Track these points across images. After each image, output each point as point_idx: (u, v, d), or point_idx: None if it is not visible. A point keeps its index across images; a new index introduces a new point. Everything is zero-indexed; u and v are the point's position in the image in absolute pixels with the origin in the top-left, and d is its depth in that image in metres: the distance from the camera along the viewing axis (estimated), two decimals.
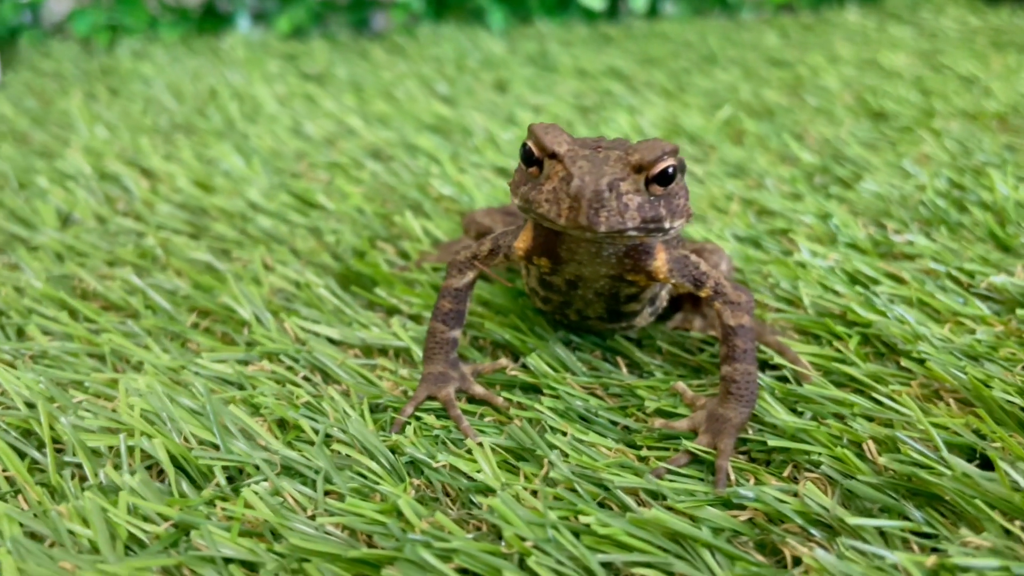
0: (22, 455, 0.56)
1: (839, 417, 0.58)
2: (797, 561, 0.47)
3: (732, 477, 0.53)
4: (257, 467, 0.54)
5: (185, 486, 0.53)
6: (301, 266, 0.81)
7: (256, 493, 0.51)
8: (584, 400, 0.60)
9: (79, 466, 0.55)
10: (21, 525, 0.50)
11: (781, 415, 0.57)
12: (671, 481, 0.52)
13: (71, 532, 0.50)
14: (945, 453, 0.52)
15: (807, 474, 0.53)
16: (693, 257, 0.58)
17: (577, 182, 0.49)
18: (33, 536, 0.50)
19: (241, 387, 0.63)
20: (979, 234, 0.82)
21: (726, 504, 0.51)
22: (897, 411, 0.57)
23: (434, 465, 0.54)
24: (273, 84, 1.44)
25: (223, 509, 0.51)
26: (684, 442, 0.55)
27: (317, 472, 0.54)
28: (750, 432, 0.57)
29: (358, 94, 1.38)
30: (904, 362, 0.62)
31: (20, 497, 0.53)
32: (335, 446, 0.56)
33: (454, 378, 0.61)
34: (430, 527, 0.49)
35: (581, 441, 0.56)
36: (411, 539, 0.47)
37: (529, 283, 0.65)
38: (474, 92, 1.39)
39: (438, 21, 1.86)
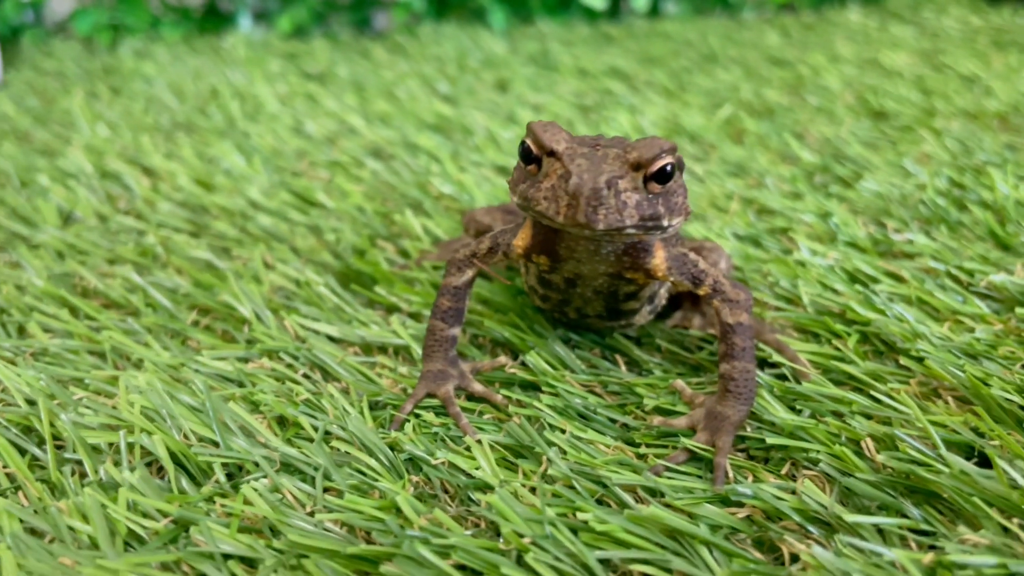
0: (22, 452, 0.57)
1: (838, 415, 0.58)
2: (795, 558, 0.47)
3: (730, 474, 0.53)
4: (256, 464, 0.55)
5: (185, 483, 0.54)
6: (301, 264, 0.81)
7: (255, 490, 0.52)
8: (583, 398, 0.60)
9: (79, 463, 0.55)
10: (21, 521, 0.50)
11: (780, 413, 0.57)
12: (669, 478, 0.52)
13: (71, 528, 0.50)
14: (943, 451, 0.52)
15: (805, 472, 0.53)
16: (692, 255, 0.58)
17: (575, 180, 0.49)
18: (33, 532, 0.50)
19: (241, 384, 0.63)
20: (979, 233, 0.82)
21: (724, 501, 0.51)
22: (896, 409, 0.57)
23: (433, 462, 0.54)
24: (274, 83, 1.44)
25: (222, 506, 0.51)
26: (682, 439, 0.55)
27: (316, 469, 0.54)
28: (748, 430, 0.57)
29: (359, 93, 1.39)
30: (903, 360, 0.62)
31: (20, 493, 0.53)
32: (334, 443, 0.56)
33: (453, 376, 0.61)
34: (429, 524, 0.49)
35: (580, 438, 0.56)
36: (409, 535, 0.47)
37: (528, 281, 0.65)
38: (475, 91, 1.39)
39: (439, 21, 1.86)
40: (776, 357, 0.63)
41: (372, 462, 0.54)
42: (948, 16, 1.77)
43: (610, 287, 0.60)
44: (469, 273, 0.62)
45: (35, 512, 0.51)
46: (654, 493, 0.52)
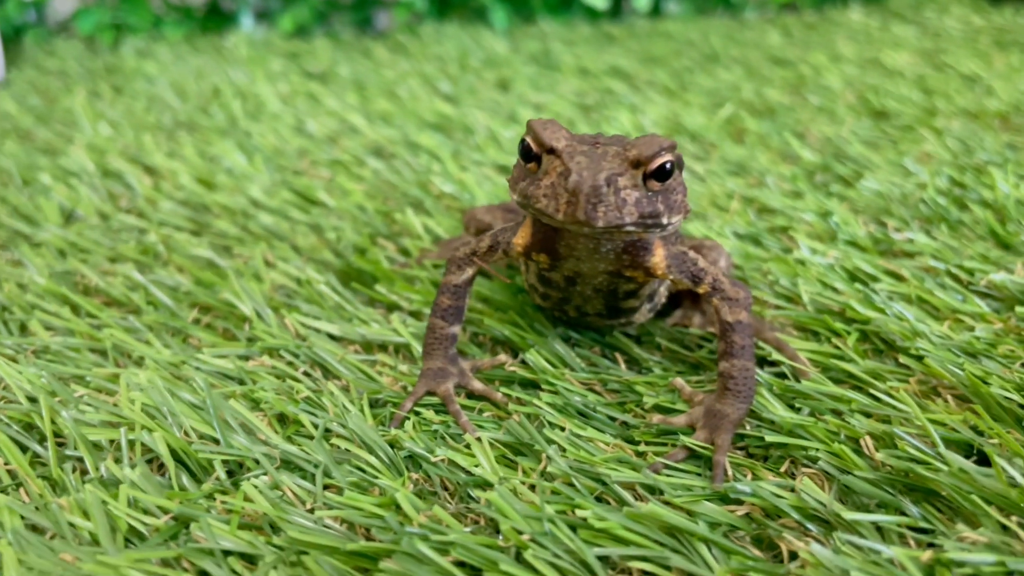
0: (24, 448, 0.57)
1: (837, 413, 0.58)
2: (793, 556, 0.47)
3: (729, 472, 0.53)
4: (257, 461, 0.55)
5: (185, 480, 0.54)
6: (302, 263, 0.81)
7: (256, 487, 0.52)
8: (583, 396, 0.60)
9: (80, 460, 0.56)
10: (22, 518, 0.51)
11: (779, 411, 0.57)
12: (668, 476, 0.53)
13: (72, 524, 0.50)
14: (942, 449, 0.52)
15: (804, 469, 0.53)
16: (691, 253, 0.58)
17: (575, 177, 0.49)
18: (34, 528, 0.50)
19: (241, 382, 0.63)
20: (979, 232, 0.82)
21: (723, 499, 0.51)
22: (895, 407, 0.57)
23: (432, 459, 0.54)
24: (276, 82, 1.44)
25: (223, 502, 0.51)
26: (682, 437, 0.55)
27: (316, 466, 0.54)
28: (748, 428, 0.57)
29: (361, 92, 1.39)
30: (902, 359, 0.62)
31: (22, 490, 0.53)
32: (334, 440, 0.56)
33: (453, 374, 0.61)
34: (428, 520, 0.49)
35: (579, 436, 0.56)
36: (409, 532, 0.47)
37: (528, 279, 0.65)
38: (476, 91, 1.39)
39: (441, 20, 1.87)
40: (776, 355, 0.63)
41: (372, 459, 0.54)
42: (950, 16, 1.77)
43: (610, 285, 0.60)
44: (469, 271, 0.62)
45: (36, 509, 0.51)
46: (653, 491, 0.52)
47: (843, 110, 1.22)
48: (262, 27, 1.81)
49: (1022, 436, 0.54)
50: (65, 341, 0.68)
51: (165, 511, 0.51)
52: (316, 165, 1.07)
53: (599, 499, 0.51)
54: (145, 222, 0.91)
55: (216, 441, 0.56)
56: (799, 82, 1.37)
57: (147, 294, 0.75)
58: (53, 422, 0.58)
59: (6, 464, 0.55)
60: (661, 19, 1.88)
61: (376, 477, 0.53)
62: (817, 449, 0.54)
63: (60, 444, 0.57)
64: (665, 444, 0.56)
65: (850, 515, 0.48)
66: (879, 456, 0.53)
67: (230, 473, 0.55)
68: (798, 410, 0.58)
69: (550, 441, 0.56)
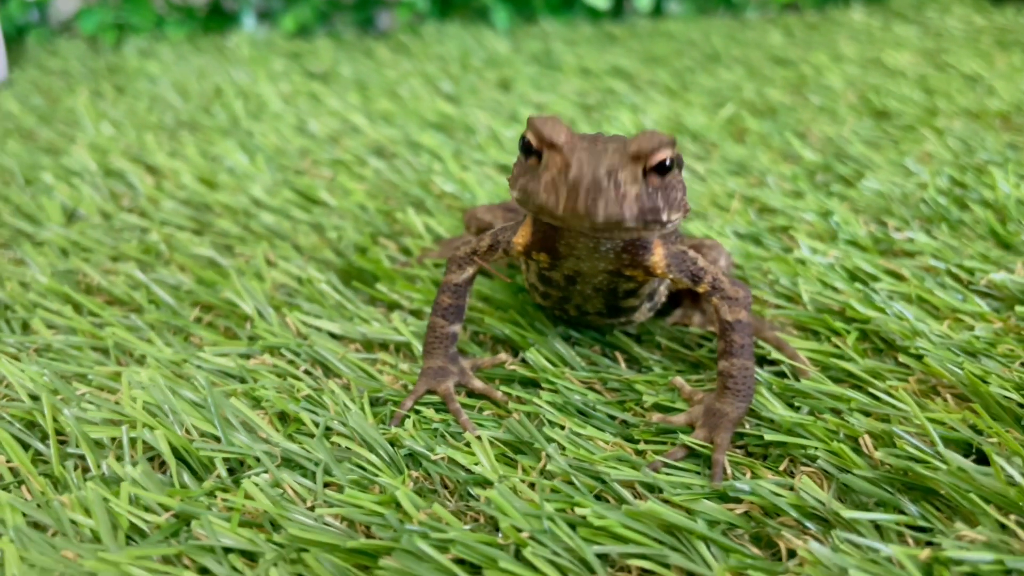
0: (26, 446, 0.57)
1: (836, 412, 0.58)
2: (792, 554, 0.48)
3: (728, 471, 0.53)
4: (258, 459, 0.55)
5: (186, 477, 0.54)
6: (303, 262, 0.81)
7: (256, 484, 0.52)
8: (582, 394, 0.60)
9: (82, 457, 0.56)
10: (24, 515, 0.51)
11: (778, 410, 0.57)
12: (668, 475, 0.53)
13: (73, 522, 0.50)
14: (941, 448, 0.52)
15: (803, 468, 0.54)
16: (691, 253, 0.58)
17: (575, 170, 0.49)
18: (36, 526, 0.51)
19: (243, 380, 0.63)
20: (980, 231, 0.82)
21: (722, 497, 0.51)
22: (894, 406, 0.57)
23: (432, 458, 0.55)
24: (278, 82, 1.44)
25: (224, 500, 0.52)
26: (681, 436, 0.55)
27: (317, 464, 0.54)
28: (747, 426, 0.57)
29: (362, 92, 1.39)
30: (902, 358, 0.62)
31: (23, 487, 0.54)
32: (335, 439, 0.57)
33: (453, 372, 0.61)
34: (428, 518, 0.49)
35: (579, 435, 0.57)
36: (409, 530, 0.48)
37: (529, 278, 0.66)
38: (478, 90, 1.39)
39: (443, 20, 1.87)
40: (775, 354, 0.63)
41: (372, 457, 0.55)
42: (951, 16, 1.77)
43: (610, 284, 0.60)
44: (470, 270, 0.63)
45: (38, 506, 0.52)
46: (652, 489, 0.52)
47: (844, 110, 1.22)
48: (264, 27, 1.81)
49: (1021, 435, 0.54)
50: (67, 339, 0.68)
51: (166, 508, 0.51)
52: (318, 165, 1.07)
53: (598, 497, 0.52)
54: (147, 221, 0.91)
55: (217, 439, 0.57)
56: (800, 82, 1.37)
57: (149, 293, 0.76)
58: (55, 420, 0.58)
59: (8, 462, 0.55)
60: (663, 19, 1.88)
61: (376, 475, 0.53)
62: (816, 448, 0.54)
63: (62, 442, 0.58)
64: (665, 443, 0.57)
65: (849, 513, 0.48)
66: (878, 455, 0.53)
67: (231, 471, 0.55)
68: (797, 409, 0.58)
69: (550, 439, 0.56)
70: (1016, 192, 0.87)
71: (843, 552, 0.46)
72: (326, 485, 0.53)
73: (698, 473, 0.53)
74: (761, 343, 0.65)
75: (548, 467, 0.54)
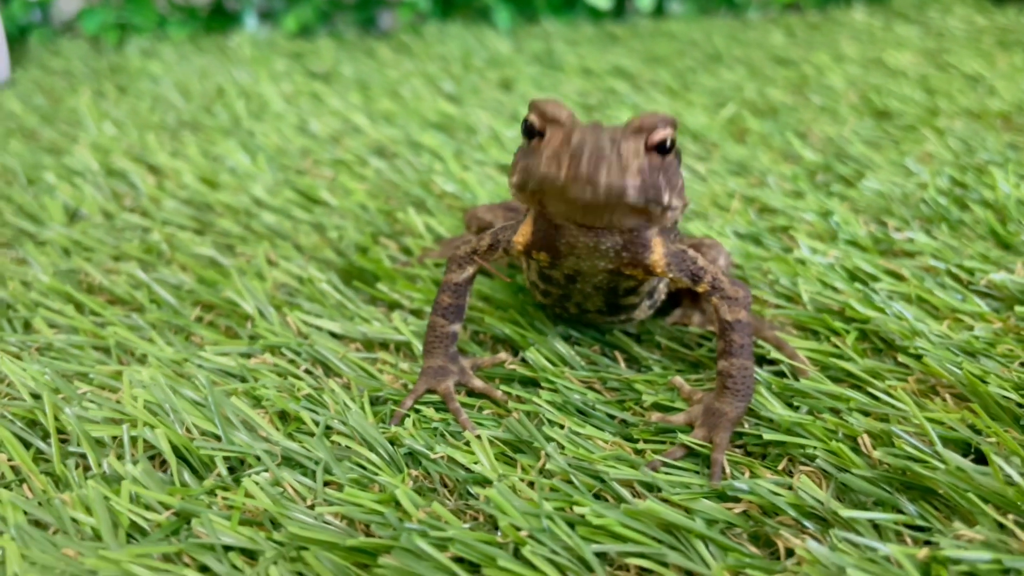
0: (27, 445, 0.57)
1: (835, 412, 0.58)
2: (790, 553, 0.48)
3: (727, 470, 0.53)
4: (258, 458, 0.55)
5: (187, 476, 0.54)
6: (304, 261, 0.81)
7: (256, 483, 0.52)
8: (582, 394, 0.61)
9: (83, 456, 0.56)
10: (25, 513, 0.51)
11: (777, 409, 0.57)
12: (666, 474, 0.53)
13: (74, 520, 0.50)
14: (940, 447, 0.52)
15: (802, 467, 0.54)
16: (691, 252, 0.58)
17: (578, 138, 0.49)
18: (37, 524, 0.51)
19: (243, 379, 0.64)
20: (980, 232, 0.82)
21: (721, 496, 0.51)
22: (893, 406, 0.57)
23: (432, 456, 0.55)
24: (280, 82, 1.45)
25: (224, 498, 0.52)
26: (680, 436, 0.55)
27: (317, 463, 0.54)
28: (746, 426, 0.57)
29: (364, 92, 1.39)
30: (901, 358, 0.62)
31: (25, 486, 0.54)
32: (335, 437, 0.57)
33: (453, 372, 0.62)
34: (427, 517, 0.49)
35: (578, 434, 0.57)
36: (408, 528, 0.48)
37: (529, 277, 0.66)
38: (479, 90, 1.39)
39: (444, 20, 1.87)
40: (775, 354, 0.63)
41: (372, 456, 0.55)
42: (953, 16, 1.77)
43: (610, 283, 0.60)
44: (470, 270, 0.63)
45: (39, 504, 0.52)
46: (651, 488, 0.52)
47: (845, 110, 1.22)
48: (266, 27, 1.82)
49: (1019, 435, 0.54)
50: (69, 338, 0.68)
51: (167, 507, 0.51)
52: (319, 164, 1.07)
53: (597, 496, 0.52)
54: (149, 221, 0.91)
55: (218, 438, 0.57)
56: (802, 82, 1.37)
57: (150, 292, 0.76)
58: (56, 418, 0.58)
59: (9, 460, 0.56)
60: (664, 19, 1.89)
61: (376, 474, 0.53)
62: (815, 447, 0.54)
63: (63, 440, 0.58)
64: (664, 442, 0.57)
65: (847, 513, 0.48)
66: (877, 454, 0.53)
67: (231, 469, 0.55)
68: (796, 408, 0.59)
69: (549, 439, 0.56)
70: (1016, 192, 0.87)
71: (841, 551, 0.46)
72: (326, 484, 0.53)
73: (697, 472, 0.54)
74: (761, 343, 0.65)
75: (547, 466, 0.54)
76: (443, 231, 0.87)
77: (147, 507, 0.51)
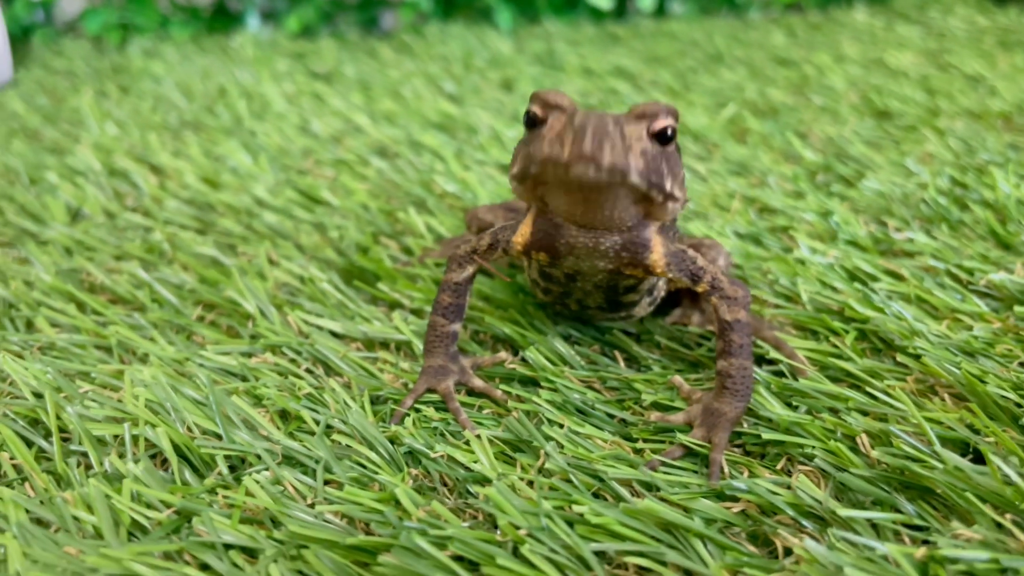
0: (29, 443, 0.58)
1: (834, 411, 0.58)
2: (788, 552, 0.48)
3: (726, 470, 0.54)
4: (259, 456, 0.55)
5: (188, 474, 0.54)
6: (305, 261, 0.82)
7: (257, 482, 0.52)
8: (581, 393, 0.61)
9: (84, 454, 0.56)
10: (27, 511, 0.51)
11: (776, 409, 0.58)
12: (665, 473, 0.53)
13: (76, 518, 0.51)
14: (938, 447, 0.52)
15: (800, 467, 0.54)
16: (690, 252, 0.59)
17: (581, 118, 0.50)
18: (39, 522, 0.51)
19: (244, 379, 0.64)
20: (980, 232, 0.82)
21: (719, 496, 0.51)
22: (892, 406, 0.57)
23: (432, 455, 0.55)
24: (281, 82, 1.45)
25: (224, 497, 0.52)
26: (679, 435, 0.56)
27: (317, 462, 0.55)
28: (745, 425, 0.57)
29: (365, 92, 1.39)
30: (900, 358, 0.62)
31: (27, 484, 0.54)
32: (335, 436, 0.57)
33: (453, 371, 0.62)
34: (427, 515, 0.49)
35: (577, 433, 0.57)
36: (407, 527, 0.48)
37: (530, 275, 0.66)
38: (480, 91, 1.40)
39: (446, 20, 1.87)
40: (774, 354, 0.64)
41: (372, 455, 0.55)
42: (954, 16, 1.77)
43: (610, 282, 0.60)
44: (470, 269, 0.63)
45: (41, 502, 0.52)
46: (650, 487, 0.52)
47: (846, 110, 1.22)
48: (268, 27, 1.82)
49: (1018, 435, 0.54)
50: (71, 338, 0.69)
51: (168, 505, 0.51)
52: (320, 164, 1.08)
53: (596, 495, 0.52)
54: (151, 221, 0.92)
55: (218, 436, 0.57)
56: (802, 82, 1.37)
57: (152, 292, 0.76)
58: (58, 417, 0.59)
59: (12, 459, 0.56)
60: (665, 19, 1.89)
61: (376, 473, 0.54)
62: (813, 447, 0.54)
63: (65, 439, 0.58)
64: (663, 442, 0.57)
65: (845, 512, 0.48)
66: (875, 454, 0.53)
67: (232, 468, 0.56)
68: (795, 408, 0.59)
69: (548, 438, 0.56)
70: (1016, 192, 0.87)
71: (839, 550, 0.47)
72: (326, 482, 0.54)
73: (696, 472, 0.54)
74: (760, 343, 0.65)
75: (547, 465, 0.54)
76: (444, 231, 0.87)
77: (148, 505, 0.51)
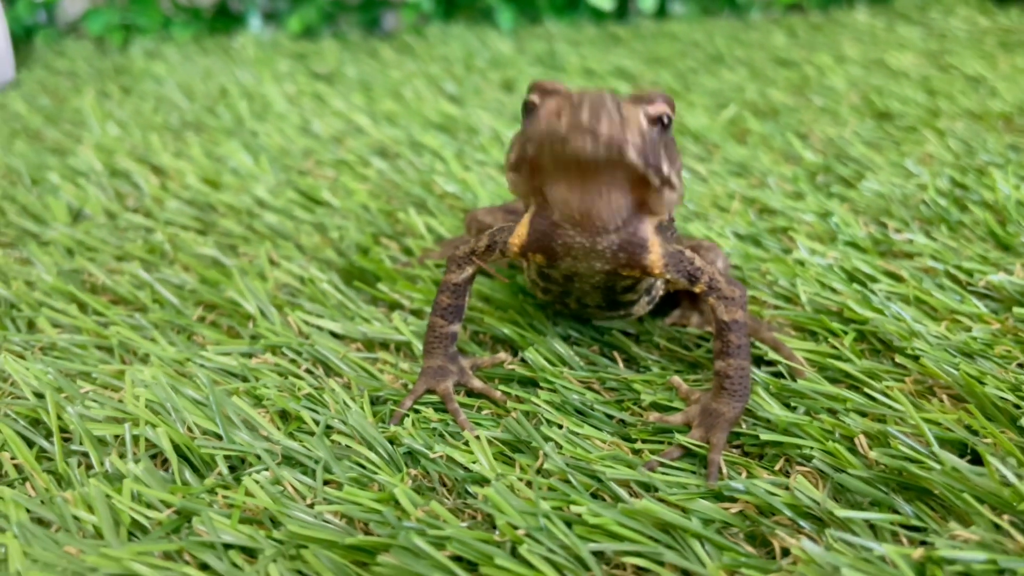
0: (30, 443, 0.58)
1: (832, 412, 0.58)
2: (786, 552, 0.48)
3: (724, 470, 0.54)
4: (258, 456, 0.56)
5: (188, 474, 0.55)
6: (306, 261, 0.82)
7: (257, 482, 0.53)
8: (580, 394, 0.61)
9: (85, 454, 0.57)
10: (28, 511, 0.52)
11: (774, 410, 0.58)
12: (664, 474, 0.53)
13: (76, 518, 0.51)
14: (936, 448, 0.52)
15: (799, 468, 0.54)
16: (687, 252, 0.59)
17: (579, 95, 0.50)
18: (40, 521, 0.51)
19: (244, 379, 0.64)
20: (979, 233, 0.82)
21: (717, 496, 0.51)
22: (890, 407, 0.57)
23: (431, 456, 0.55)
24: (283, 83, 1.45)
25: (224, 497, 0.52)
26: (677, 436, 0.56)
27: (317, 462, 0.55)
28: (744, 426, 0.58)
29: (367, 93, 1.40)
30: (899, 359, 0.62)
31: (28, 484, 0.54)
32: (335, 437, 0.57)
33: (453, 372, 0.62)
34: (425, 516, 0.50)
35: (576, 434, 0.57)
36: (406, 527, 0.48)
37: (530, 275, 0.66)
38: (481, 91, 1.40)
39: (447, 21, 1.87)
40: (772, 355, 0.64)
41: (371, 455, 0.55)
42: (955, 17, 1.77)
43: (607, 283, 0.61)
44: (469, 270, 0.63)
45: (42, 502, 0.52)
46: (648, 488, 0.52)
47: (846, 111, 1.22)
48: (270, 28, 1.82)
49: (1015, 436, 0.54)
50: (72, 338, 0.69)
51: (168, 505, 0.52)
52: (321, 165, 1.08)
53: (595, 496, 0.52)
54: (152, 221, 0.92)
55: (219, 437, 0.57)
56: (803, 83, 1.38)
57: (153, 292, 0.76)
58: (59, 417, 0.59)
59: (13, 458, 0.56)
60: (666, 20, 1.89)
61: (375, 473, 0.54)
62: (812, 448, 0.54)
63: (66, 439, 0.58)
64: (662, 442, 0.57)
65: (843, 513, 0.49)
66: (873, 455, 0.53)
67: (232, 468, 0.56)
68: (794, 409, 0.59)
69: (547, 438, 0.56)
70: (1016, 194, 0.87)
71: (836, 551, 0.47)
72: (326, 483, 0.54)
73: (694, 472, 0.54)
74: (759, 344, 0.65)
75: (545, 466, 0.54)
76: (444, 232, 0.87)
77: (148, 505, 0.52)
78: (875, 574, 0.45)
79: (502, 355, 0.65)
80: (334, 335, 0.70)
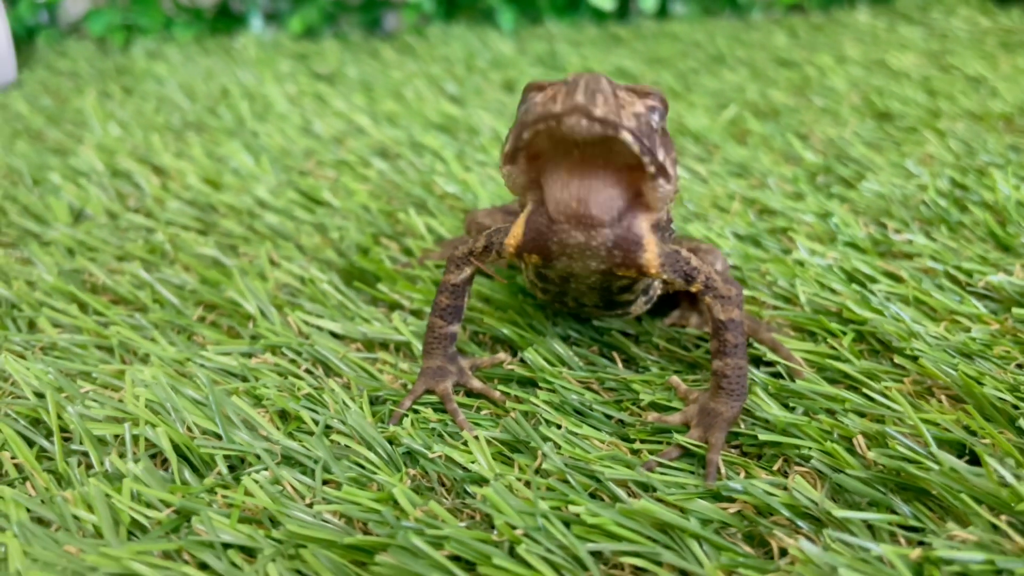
0: (30, 443, 0.58)
1: (830, 412, 0.58)
2: (784, 552, 0.48)
3: (723, 470, 0.54)
4: (258, 456, 0.56)
5: (187, 474, 0.55)
6: (306, 262, 0.82)
7: (256, 481, 0.53)
8: (579, 394, 0.61)
9: (85, 454, 0.57)
10: (28, 510, 0.52)
11: (773, 410, 0.58)
12: (662, 474, 0.53)
13: (76, 517, 0.51)
14: (934, 448, 0.52)
15: (797, 468, 0.54)
16: (684, 252, 0.58)
17: (574, 77, 0.50)
18: (40, 521, 0.51)
19: (244, 379, 0.64)
20: (979, 233, 0.82)
21: (715, 496, 0.51)
22: (888, 407, 0.57)
23: (430, 456, 0.55)
24: (284, 83, 1.45)
25: (224, 496, 0.52)
26: (676, 436, 0.56)
27: (316, 462, 0.55)
28: (742, 426, 0.58)
29: (368, 93, 1.40)
30: (898, 359, 0.62)
31: (28, 483, 0.55)
32: (334, 437, 0.57)
33: (452, 372, 0.62)
34: (424, 515, 0.50)
35: (575, 434, 0.57)
36: (405, 526, 0.48)
37: (527, 275, 0.66)
38: (482, 92, 1.40)
39: (448, 21, 1.88)
40: (771, 355, 0.64)
41: (371, 455, 0.55)
42: (956, 17, 1.77)
43: (603, 283, 0.60)
44: (467, 271, 0.63)
45: (42, 502, 0.52)
46: (646, 488, 0.53)
47: (847, 111, 1.22)
48: (271, 28, 1.83)
49: (1014, 436, 0.54)
50: (72, 338, 0.69)
51: (167, 504, 0.52)
52: (322, 165, 1.08)
53: (593, 496, 0.52)
54: (153, 221, 0.92)
55: (218, 436, 0.57)
56: (804, 83, 1.38)
57: (153, 292, 0.77)
58: (59, 417, 0.59)
59: (13, 458, 0.56)
60: (667, 20, 1.89)
61: (374, 473, 0.54)
62: (810, 448, 0.54)
63: (66, 439, 0.58)
64: (660, 442, 0.57)
65: (841, 513, 0.49)
66: (871, 455, 0.53)
67: (231, 468, 0.56)
68: (792, 409, 0.59)
69: (546, 438, 0.56)
70: (1016, 194, 0.87)
71: (834, 551, 0.47)
72: (325, 482, 0.54)
73: (692, 472, 0.54)
74: (757, 344, 0.65)
75: (544, 466, 0.54)
76: (444, 232, 0.88)
77: (148, 505, 0.52)
78: (873, 574, 0.45)
79: (501, 355, 0.65)
80: (334, 335, 0.70)
